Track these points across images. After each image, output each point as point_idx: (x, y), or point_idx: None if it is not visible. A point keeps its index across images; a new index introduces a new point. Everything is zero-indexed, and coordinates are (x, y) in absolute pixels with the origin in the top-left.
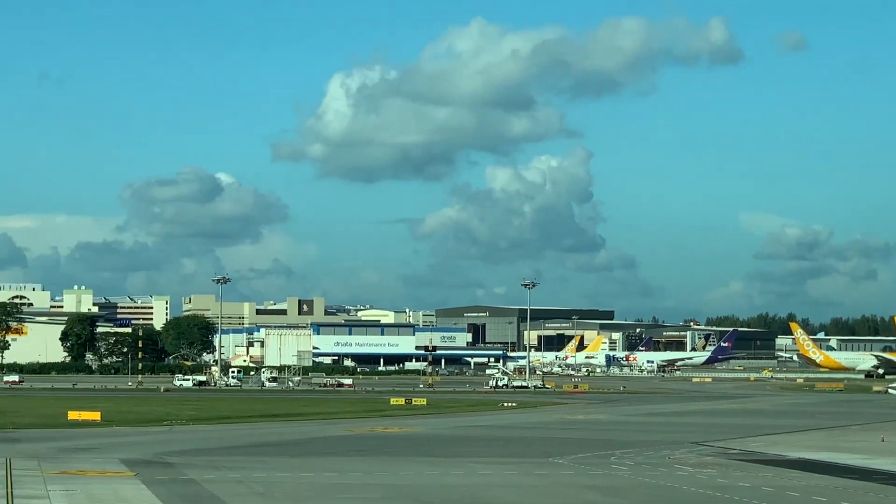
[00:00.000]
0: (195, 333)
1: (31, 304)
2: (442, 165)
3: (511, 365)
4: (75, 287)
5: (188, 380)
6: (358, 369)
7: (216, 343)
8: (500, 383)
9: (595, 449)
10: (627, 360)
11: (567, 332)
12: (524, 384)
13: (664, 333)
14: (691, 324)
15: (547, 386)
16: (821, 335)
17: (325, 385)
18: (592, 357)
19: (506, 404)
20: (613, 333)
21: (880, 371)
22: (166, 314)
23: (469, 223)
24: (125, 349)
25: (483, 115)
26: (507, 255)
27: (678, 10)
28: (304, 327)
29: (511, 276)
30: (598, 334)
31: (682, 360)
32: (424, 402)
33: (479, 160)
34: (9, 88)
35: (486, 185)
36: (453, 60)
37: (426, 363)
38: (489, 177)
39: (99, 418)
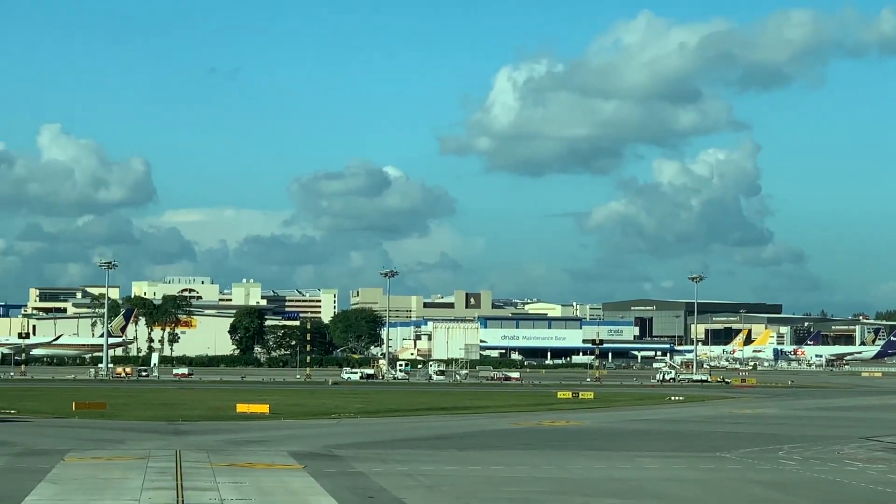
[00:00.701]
0: (363, 326)
1: (200, 297)
2: (609, 159)
3: (678, 359)
4: (244, 280)
5: (356, 373)
6: (525, 362)
7: (384, 336)
8: (667, 377)
9: (763, 443)
10: (795, 354)
11: (734, 326)
12: (703, 378)
13: (832, 327)
14: (860, 318)
15: (727, 381)
16: None
17: (492, 378)
18: (760, 351)
19: (673, 398)
20: (781, 327)
21: None
22: (334, 307)
23: (636, 217)
24: (293, 342)
25: (650, 108)
26: (674, 248)
27: (847, 1)
28: (472, 321)
29: (678, 270)
30: (766, 328)
31: (851, 354)
32: (591, 396)
33: (646, 153)
34: (179, 82)
35: (653, 178)
36: (620, 53)
37: (593, 356)
38: (656, 170)
39: (267, 411)
